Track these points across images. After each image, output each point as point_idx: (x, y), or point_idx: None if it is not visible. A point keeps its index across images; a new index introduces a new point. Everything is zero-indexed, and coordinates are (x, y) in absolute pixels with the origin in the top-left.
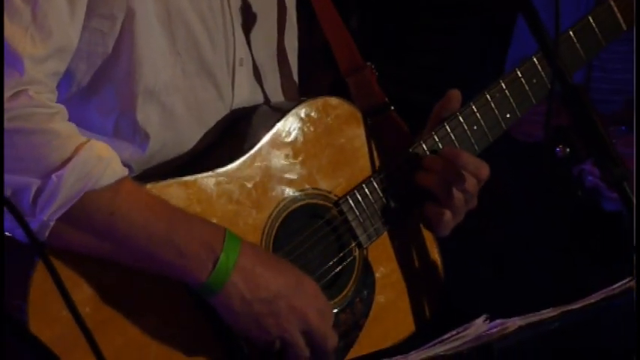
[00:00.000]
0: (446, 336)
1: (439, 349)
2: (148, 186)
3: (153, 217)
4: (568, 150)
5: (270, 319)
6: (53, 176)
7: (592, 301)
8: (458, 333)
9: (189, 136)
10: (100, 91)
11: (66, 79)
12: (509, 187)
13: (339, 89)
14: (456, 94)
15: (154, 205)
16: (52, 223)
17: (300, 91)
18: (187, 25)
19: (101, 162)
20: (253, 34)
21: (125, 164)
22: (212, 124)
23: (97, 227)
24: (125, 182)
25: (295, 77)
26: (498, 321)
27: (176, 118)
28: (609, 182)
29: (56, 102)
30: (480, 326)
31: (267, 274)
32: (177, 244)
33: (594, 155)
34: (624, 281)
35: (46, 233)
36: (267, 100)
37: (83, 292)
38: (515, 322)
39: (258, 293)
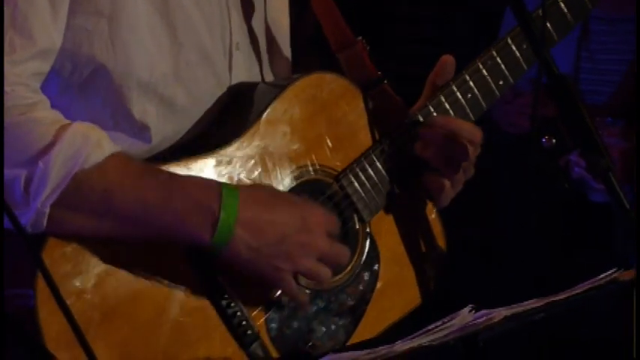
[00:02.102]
0: (431, 326)
1: (424, 340)
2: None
3: (146, 187)
4: (554, 141)
5: (281, 259)
6: (40, 162)
7: (577, 291)
8: (443, 323)
9: (190, 124)
10: (91, 88)
11: (54, 78)
12: (495, 178)
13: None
14: (449, 60)
15: (146, 174)
16: (47, 210)
17: (294, 72)
18: (186, 13)
19: (88, 141)
20: (248, 18)
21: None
22: (212, 110)
23: (94, 206)
24: (115, 157)
25: (289, 58)
26: (484, 311)
27: (177, 108)
28: (595, 173)
29: (47, 99)
30: (465, 316)
31: (269, 217)
32: (175, 210)
33: (580, 146)
34: (610, 272)
35: (44, 221)
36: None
37: (90, 280)
38: (500, 313)
39: (264, 239)
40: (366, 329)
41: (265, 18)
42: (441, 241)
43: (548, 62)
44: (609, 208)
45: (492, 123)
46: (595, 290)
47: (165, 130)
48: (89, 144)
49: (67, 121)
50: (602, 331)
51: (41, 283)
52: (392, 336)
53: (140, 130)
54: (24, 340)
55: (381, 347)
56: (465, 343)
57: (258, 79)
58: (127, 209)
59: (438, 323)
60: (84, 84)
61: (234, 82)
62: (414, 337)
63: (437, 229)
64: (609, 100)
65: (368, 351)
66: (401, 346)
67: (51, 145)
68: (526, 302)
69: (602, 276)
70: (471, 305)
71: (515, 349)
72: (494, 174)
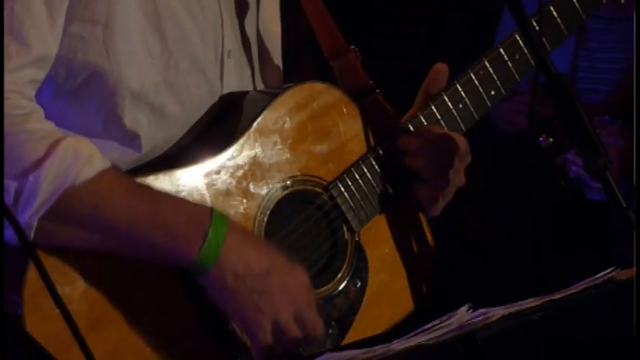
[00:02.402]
0: (429, 325)
1: (422, 338)
2: (137, 179)
3: (136, 202)
4: (552, 140)
5: (264, 297)
6: (30, 176)
7: (574, 291)
8: (441, 322)
9: (181, 132)
10: (83, 96)
11: (47, 85)
12: (492, 177)
13: (325, 78)
14: (442, 68)
15: (137, 190)
16: (34, 224)
17: (286, 80)
18: (177, 22)
19: (79, 157)
20: (242, 25)
21: (116, 164)
22: (203, 118)
23: (83, 221)
24: (106, 173)
25: (279, 64)
26: (481, 310)
27: (167, 117)
28: (593, 172)
29: (41, 106)
30: (462, 315)
31: (256, 251)
32: (164, 225)
33: (578, 145)
34: (607, 271)
35: (31, 234)
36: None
37: (77, 290)
38: (498, 312)
39: (250, 268)
40: (354, 339)
41: (257, 26)
42: (431, 250)
43: (545, 61)
44: (607, 207)
45: (490, 121)
46: (592, 289)
47: (155, 138)
48: (80, 160)
49: (60, 135)
50: (599, 330)
51: (28, 291)
52: (389, 335)
53: (131, 139)
54: (23, 340)
55: (378, 346)
56: (463, 342)
57: (249, 86)
58: (117, 223)
59: (436, 322)
60: (77, 91)
61: (225, 89)
62: (411, 336)
63: (427, 237)
64: (607, 98)
65: (365, 350)
66: (398, 345)
67: (42, 160)
68: (523, 301)
69: (599, 275)
70: (468, 304)
71: (513, 348)
72: (491, 173)
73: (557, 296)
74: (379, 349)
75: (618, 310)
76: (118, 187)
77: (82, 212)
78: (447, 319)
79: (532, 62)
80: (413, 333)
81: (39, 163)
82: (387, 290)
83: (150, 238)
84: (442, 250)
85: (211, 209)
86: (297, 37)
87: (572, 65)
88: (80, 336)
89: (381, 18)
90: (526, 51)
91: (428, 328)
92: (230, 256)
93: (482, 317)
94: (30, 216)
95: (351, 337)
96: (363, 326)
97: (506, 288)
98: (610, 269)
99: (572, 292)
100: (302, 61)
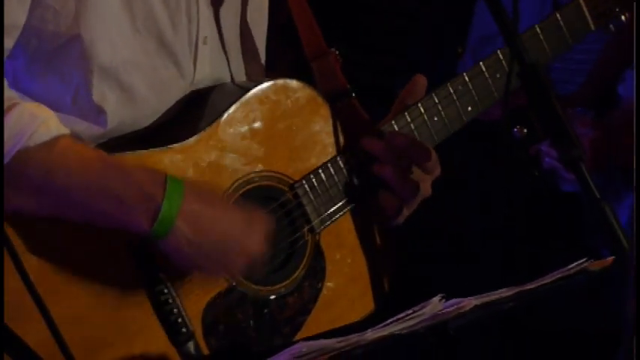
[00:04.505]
0: (401, 315)
1: (395, 328)
2: None
3: (90, 169)
4: (525, 130)
5: (221, 260)
6: None
7: (547, 281)
8: (414, 312)
9: (149, 113)
10: (54, 67)
11: (20, 52)
12: (465, 166)
13: (301, 68)
14: (421, 80)
15: (91, 157)
16: None
17: (266, 70)
18: (147, 4)
19: (34, 120)
20: (220, 12)
21: (80, 137)
22: (172, 101)
23: (35, 185)
24: (61, 139)
25: (262, 56)
26: (454, 300)
27: (135, 96)
28: (566, 163)
29: (16, 72)
30: (435, 305)
31: (213, 215)
32: (116, 194)
33: (551, 136)
34: (579, 262)
35: None
36: (230, 79)
37: (27, 262)
38: (470, 302)
39: (206, 235)
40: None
41: (245, 17)
42: (392, 256)
43: (519, 51)
44: (579, 198)
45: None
46: (565, 280)
47: (122, 116)
48: (35, 122)
49: (17, 100)
50: (573, 321)
51: None
52: (363, 324)
53: (97, 114)
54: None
55: (351, 335)
56: (436, 331)
57: (225, 75)
58: (69, 189)
59: (409, 312)
60: (47, 61)
61: (198, 75)
62: (384, 326)
63: (389, 244)
64: (580, 89)
65: (339, 339)
66: (371, 334)
67: None
68: (496, 291)
69: (571, 266)
70: (441, 294)
71: (486, 337)
72: (465, 163)
73: (529, 287)
74: (352, 338)
75: (592, 301)
76: (73, 153)
77: (34, 176)
78: (419, 309)
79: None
80: (386, 322)
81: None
82: (342, 294)
83: (102, 207)
84: (414, 240)
85: (166, 177)
86: (274, 27)
87: None
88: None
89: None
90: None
91: (401, 318)
92: (185, 226)
93: (454, 307)
94: None
95: (301, 337)
96: (315, 327)
97: (478, 278)
98: (582, 260)
99: (544, 282)
100: (277, 51)
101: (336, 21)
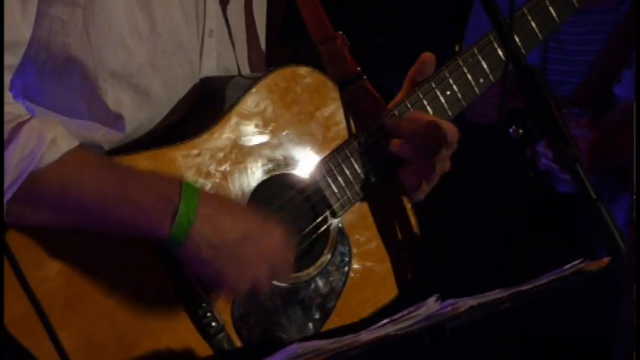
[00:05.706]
0: (397, 316)
1: (390, 329)
2: (116, 159)
3: (104, 179)
4: (521, 131)
5: (241, 264)
6: None
7: (542, 282)
8: (409, 313)
9: (164, 112)
10: (65, 77)
11: (30, 65)
12: (460, 167)
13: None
14: (429, 58)
15: (105, 168)
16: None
17: (267, 63)
18: (166, 6)
19: (43, 141)
20: (224, 6)
21: (98, 144)
22: (183, 97)
23: (51, 202)
24: (71, 153)
25: (263, 49)
26: (450, 301)
27: (152, 98)
28: (562, 164)
29: (27, 86)
30: (431, 306)
31: (230, 217)
32: (133, 201)
33: (547, 137)
34: (575, 263)
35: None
36: (237, 71)
37: (52, 268)
38: (466, 302)
39: (224, 237)
40: (336, 324)
41: (252, 10)
42: (416, 234)
43: (515, 53)
44: (575, 199)
45: (460, 114)
46: (561, 281)
47: (139, 118)
48: (44, 143)
49: (26, 117)
50: (571, 322)
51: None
52: (357, 325)
53: (114, 119)
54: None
55: (346, 337)
56: (431, 332)
57: (232, 67)
58: (85, 202)
59: (404, 312)
60: (59, 73)
61: (204, 69)
62: (379, 327)
63: (412, 221)
64: (576, 90)
65: (333, 340)
66: (366, 335)
67: (6, 145)
68: (491, 292)
69: (567, 267)
70: (436, 295)
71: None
72: (461, 164)
73: (525, 287)
74: (347, 339)
75: (588, 301)
76: (86, 166)
77: (49, 194)
78: (415, 310)
79: (522, 50)
80: (381, 323)
81: (3, 147)
82: (370, 275)
83: (120, 216)
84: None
85: (181, 182)
86: (270, 30)
87: (543, 57)
88: (45, 317)
89: (355, 7)
90: (516, 38)
91: (396, 319)
92: (203, 229)
93: (450, 308)
94: None
95: (333, 322)
96: (346, 310)
97: (474, 279)
98: (578, 261)
99: (540, 283)
100: (275, 53)
101: (330, 19)
